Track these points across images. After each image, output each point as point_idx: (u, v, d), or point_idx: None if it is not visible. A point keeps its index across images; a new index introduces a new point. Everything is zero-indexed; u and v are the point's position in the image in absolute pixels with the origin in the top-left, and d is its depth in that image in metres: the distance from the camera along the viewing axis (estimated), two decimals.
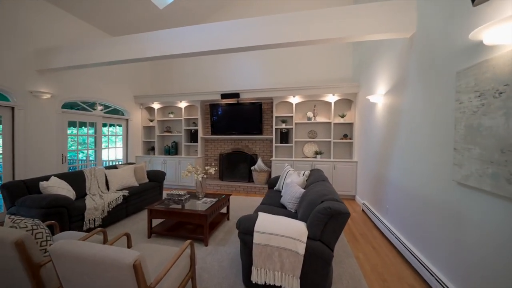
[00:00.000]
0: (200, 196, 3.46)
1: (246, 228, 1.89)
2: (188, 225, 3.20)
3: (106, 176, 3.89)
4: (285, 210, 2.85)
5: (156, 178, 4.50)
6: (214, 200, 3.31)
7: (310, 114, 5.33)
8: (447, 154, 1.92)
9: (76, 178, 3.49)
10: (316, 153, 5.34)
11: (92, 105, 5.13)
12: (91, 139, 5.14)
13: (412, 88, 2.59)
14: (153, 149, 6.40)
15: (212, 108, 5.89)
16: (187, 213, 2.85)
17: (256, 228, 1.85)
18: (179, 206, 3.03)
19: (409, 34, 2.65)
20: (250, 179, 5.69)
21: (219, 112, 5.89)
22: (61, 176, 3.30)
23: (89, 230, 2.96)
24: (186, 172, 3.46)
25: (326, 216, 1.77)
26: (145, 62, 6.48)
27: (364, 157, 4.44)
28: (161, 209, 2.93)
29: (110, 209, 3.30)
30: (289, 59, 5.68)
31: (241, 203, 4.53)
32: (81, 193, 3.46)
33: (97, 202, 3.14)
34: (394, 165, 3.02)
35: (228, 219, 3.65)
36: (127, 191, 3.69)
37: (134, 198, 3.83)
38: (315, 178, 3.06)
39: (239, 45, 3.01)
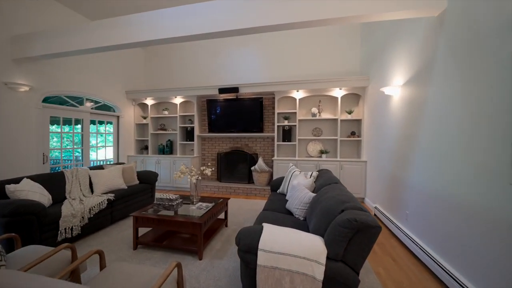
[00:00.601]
0: (194, 200, 3.07)
1: (248, 245, 1.50)
2: (180, 234, 2.81)
3: (90, 178, 3.48)
4: (291, 218, 2.46)
5: (148, 179, 4.10)
6: (210, 205, 2.92)
7: (314, 110, 4.95)
8: (500, 152, 1.54)
9: (54, 180, 3.09)
10: (321, 152, 4.96)
11: (82, 102, 4.72)
12: (78, 137, 4.73)
13: (442, 75, 2.21)
14: (146, 148, 6.00)
15: (209, 104, 5.49)
16: (178, 222, 2.45)
17: (261, 245, 1.46)
18: (170, 213, 2.63)
19: (437, 12, 2.27)
20: (250, 180, 5.30)
21: (217, 109, 5.49)
22: (36, 178, 2.89)
23: (64, 241, 2.56)
24: (178, 173, 3.07)
25: (350, 231, 1.38)
26: (138, 55, 6.07)
27: (375, 156, 4.06)
28: (148, 217, 2.53)
29: (92, 216, 2.89)
30: (291, 52, 5.29)
31: (241, 206, 4.13)
32: (60, 198, 3.06)
33: (75, 208, 2.73)
34: (416, 166, 2.64)
35: (226, 225, 3.26)
36: (112, 195, 3.29)
37: (121, 202, 3.43)
38: (326, 180, 2.68)
39: (236, 27, 2.62)
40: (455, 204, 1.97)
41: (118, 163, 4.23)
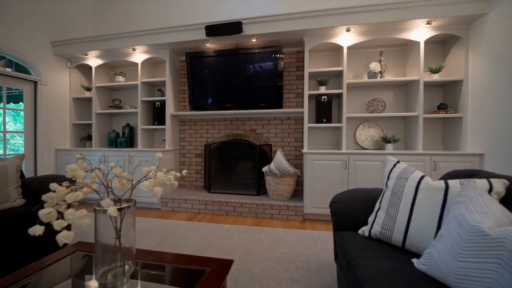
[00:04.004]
0: None
1: None
2: None
3: None
4: None
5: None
6: None
7: (375, 66, 2.82)
8: None
9: None
10: (385, 140, 2.85)
11: None
12: None
13: None
14: (89, 137, 3.73)
15: (192, 62, 3.29)
16: None
17: None
18: None
19: None
20: (261, 189, 3.13)
21: (204, 69, 3.30)
22: None
23: None
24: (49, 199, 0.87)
25: None
26: None
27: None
28: None
29: None
30: None
31: (251, 249, 1.94)
32: None
33: None
34: None
35: None
36: None
37: None
38: None
39: None
40: None
41: None
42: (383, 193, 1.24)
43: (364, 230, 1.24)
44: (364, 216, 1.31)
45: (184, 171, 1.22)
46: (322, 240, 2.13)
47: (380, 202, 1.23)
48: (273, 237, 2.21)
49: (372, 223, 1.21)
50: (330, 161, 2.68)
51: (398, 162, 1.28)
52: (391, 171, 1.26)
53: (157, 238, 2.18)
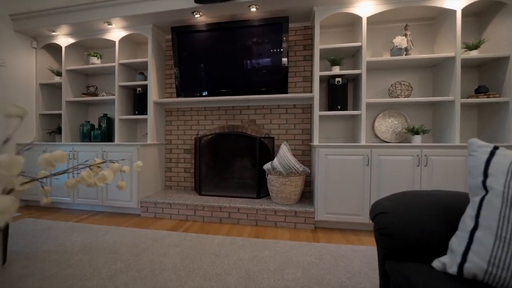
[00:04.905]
0: None
1: None
2: None
3: None
4: None
5: None
6: None
7: (400, 41, 2.33)
8: None
9: None
10: (412, 131, 2.35)
11: None
12: None
13: None
14: (59, 130, 3.18)
15: (179, 39, 2.76)
16: None
17: None
18: None
19: None
20: (261, 191, 2.60)
21: (194, 47, 2.77)
22: None
23: None
24: None
25: None
26: None
27: None
28: None
29: None
30: None
31: (250, 271, 1.41)
32: None
33: None
34: None
35: None
36: None
37: None
38: None
39: None
40: None
41: None
42: (482, 200, 0.72)
43: (446, 264, 0.73)
44: (439, 237, 0.81)
45: (139, 163, 0.70)
46: (344, 258, 1.62)
47: (478, 216, 0.71)
48: (280, 254, 1.69)
49: (465, 253, 0.70)
50: (348, 156, 2.17)
51: (496, 148, 0.77)
52: (489, 162, 0.75)
53: (126, 257, 1.65)
